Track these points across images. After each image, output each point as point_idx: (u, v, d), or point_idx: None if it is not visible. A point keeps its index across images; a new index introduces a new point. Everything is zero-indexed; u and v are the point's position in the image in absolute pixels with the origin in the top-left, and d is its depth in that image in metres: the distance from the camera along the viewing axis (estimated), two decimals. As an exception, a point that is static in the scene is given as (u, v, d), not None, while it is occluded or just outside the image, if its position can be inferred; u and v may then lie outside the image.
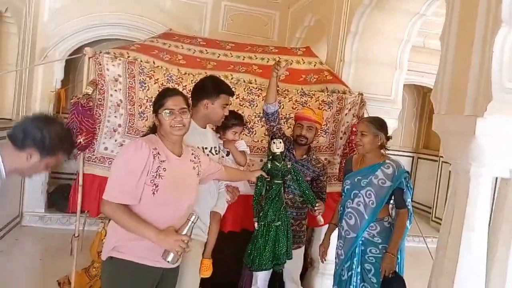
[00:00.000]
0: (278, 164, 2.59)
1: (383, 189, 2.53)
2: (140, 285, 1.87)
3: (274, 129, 2.79)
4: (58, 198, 5.39)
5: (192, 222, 1.82)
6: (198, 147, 2.23)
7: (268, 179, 2.55)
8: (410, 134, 8.06)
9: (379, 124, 2.61)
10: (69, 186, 5.57)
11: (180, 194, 1.92)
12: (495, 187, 2.18)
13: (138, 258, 1.83)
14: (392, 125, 3.40)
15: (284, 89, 3.27)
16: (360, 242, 2.58)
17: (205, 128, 2.39)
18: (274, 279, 3.11)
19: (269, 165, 2.60)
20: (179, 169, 1.92)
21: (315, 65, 3.62)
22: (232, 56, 3.51)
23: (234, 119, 2.67)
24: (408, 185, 2.53)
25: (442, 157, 6.95)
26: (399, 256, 2.54)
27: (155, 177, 1.82)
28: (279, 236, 2.61)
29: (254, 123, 3.26)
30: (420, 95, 7.94)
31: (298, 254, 2.99)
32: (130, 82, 3.00)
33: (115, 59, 2.95)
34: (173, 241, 1.77)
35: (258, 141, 3.28)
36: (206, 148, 2.39)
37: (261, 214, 2.60)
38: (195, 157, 2.07)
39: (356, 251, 2.58)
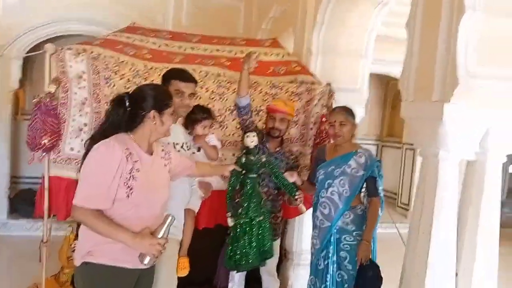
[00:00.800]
0: (252, 158, 2.53)
1: (356, 178, 2.56)
2: (118, 288, 1.80)
3: (247, 123, 2.75)
4: (20, 203, 5.17)
5: (168, 224, 1.77)
6: (168, 143, 2.18)
7: (243, 173, 2.49)
8: (375, 122, 8.22)
9: (353, 113, 2.65)
10: (30, 190, 5.37)
11: (154, 193, 1.85)
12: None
13: (115, 261, 1.76)
14: (360, 114, 3.44)
15: (253, 82, 3.23)
16: (335, 230, 2.60)
17: (175, 123, 2.33)
18: (250, 273, 3.09)
19: (243, 159, 2.52)
20: (151, 167, 1.86)
21: (283, 56, 3.61)
22: (199, 49, 3.45)
23: (202, 113, 2.62)
24: (380, 173, 2.58)
25: (405, 144, 7.15)
26: (372, 244, 2.57)
27: (129, 179, 1.73)
28: (263, 231, 2.55)
29: (225, 116, 3.22)
30: (384, 84, 8.11)
31: (274, 246, 2.98)
32: (95, 79, 2.89)
33: (78, 55, 2.83)
34: (148, 245, 1.72)
35: (230, 135, 3.24)
36: (177, 144, 2.34)
37: (240, 211, 2.51)
38: (165, 154, 2.01)
39: (331, 240, 2.60)
